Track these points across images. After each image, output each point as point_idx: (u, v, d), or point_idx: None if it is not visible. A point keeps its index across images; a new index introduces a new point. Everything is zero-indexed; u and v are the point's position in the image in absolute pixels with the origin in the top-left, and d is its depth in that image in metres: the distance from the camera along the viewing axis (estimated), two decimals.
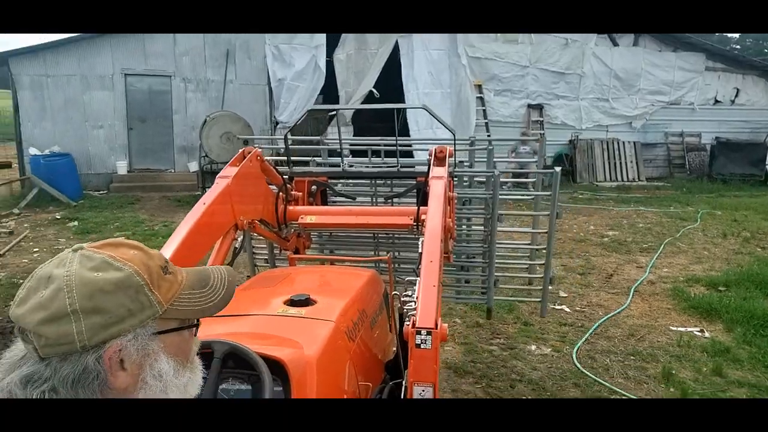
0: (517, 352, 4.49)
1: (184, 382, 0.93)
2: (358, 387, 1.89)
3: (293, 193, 3.28)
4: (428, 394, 1.66)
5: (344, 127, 12.22)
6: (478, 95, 13.03)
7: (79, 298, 0.80)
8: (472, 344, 4.62)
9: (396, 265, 3.72)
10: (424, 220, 2.62)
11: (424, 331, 1.65)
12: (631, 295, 5.73)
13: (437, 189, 2.67)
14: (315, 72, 12.25)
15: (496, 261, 3.85)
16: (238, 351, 1.45)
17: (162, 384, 0.88)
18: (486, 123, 13.12)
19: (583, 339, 4.70)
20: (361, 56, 12.61)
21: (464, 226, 4.07)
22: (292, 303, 1.95)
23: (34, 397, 0.80)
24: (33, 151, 10.84)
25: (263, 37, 12.02)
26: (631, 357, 4.43)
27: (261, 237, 3.39)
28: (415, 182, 3.41)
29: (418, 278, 1.94)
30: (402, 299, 1.99)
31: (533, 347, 4.60)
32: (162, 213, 9.73)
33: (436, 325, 1.68)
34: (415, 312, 1.76)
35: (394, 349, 2.40)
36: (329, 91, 12.66)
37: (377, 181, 3.84)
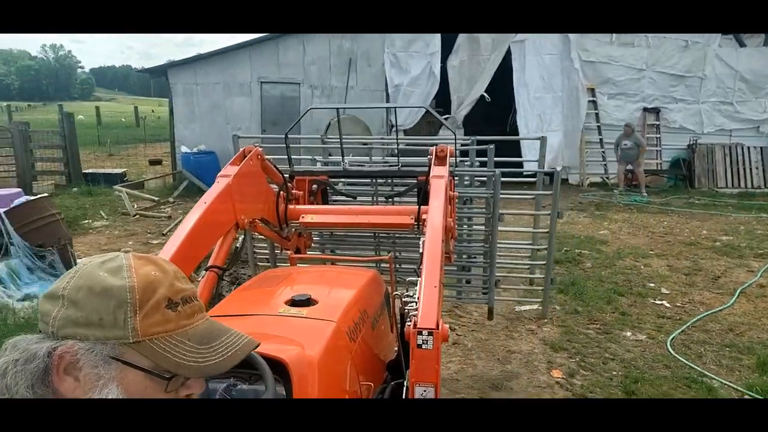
0: (612, 336, 4.81)
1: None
2: (359, 387, 1.89)
3: (294, 192, 3.28)
4: (430, 394, 1.67)
5: (456, 130, 12.80)
6: (591, 99, 13.07)
7: (72, 286, 0.81)
8: (569, 327, 5.00)
9: (397, 265, 3.68)
10: (424, 220, 2.61)
11: (425, 332, 1.66)
12: (736, 296, 5.79)
13: (438, 188, 2.68)
14: (429, 78, 12.93)
15: (498, 261, 3.84)
16: None
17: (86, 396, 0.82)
18: (598, 126, 13.13)
19: (681, 329, 4.91)
20: (474, 62, 13.13)
21: (465, 226, 4.04)
22: (293, 303, 1.95)
23: (4, 359, 0.81)
24: (184, 149, 12.48)
25: (383, 46, 12.89)
26: (727, 348, 4.57)
27: (262, 236, 3.37)
28: (415, 181, 3.41)
29: (419, 278, 1.95)
30: (403, 299, 2.01)
31: (628, 333, 4.90)
32: None
33: (438, 325, 1.68)
34: (416, 312, 1.76)
35: (396, 349, 2.41)
36: (442, 96, 13.30)
37: (378, 181, 3.84)
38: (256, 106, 13.14)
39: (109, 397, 0.80)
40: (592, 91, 13.07)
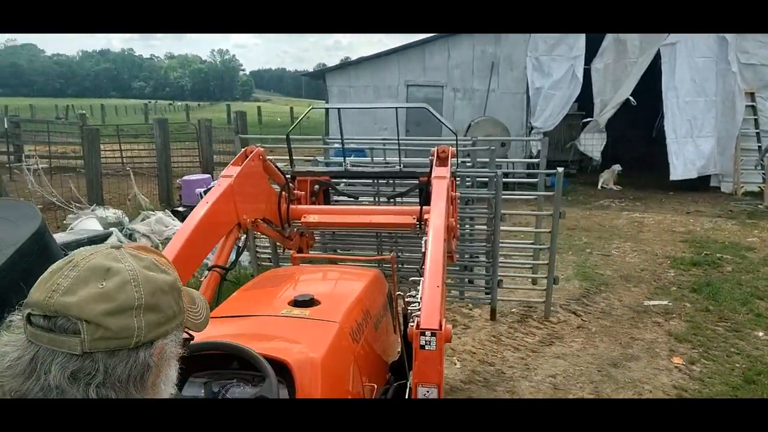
0: (742, 334, 4.87)
1: (172, 391, 0.92)
2: (362, 388, 1.88)
3: (296, 192, 3.28)
4: (433, 395, 1.67)
5: (598, 134, 12.80)
6: (749, 103, 12.33)
7: (145, 293, 0.82)
8: (697, 323, 5.10)
9: (399, 265, 3.66)
10: (426, 220, 2.62)
11: (428, 332, 1.66)
12: None
13: (440, 188, 2.69)
14: (572, 81, 13.01)
15: (500, 261, 3.84)
16: (242, 352, 1.45)
17: (166, 389, 0.89)
18: (757, 133, 12.36)
19: None
20: (620, 65, 12.95)
21: (467, 226, 4.04)
22: (296, 303, 1.95)
23: (90, 394, 0.79)
24: (337, 145, 13.85)
25: (525, 50, 13.22)
26: None
27: (264, 236, 3.37)
28: (417, 182, 3.39)
29: (422, 278, 1.95)
30: (406, 300, 2.01)
31: (761, 333, 4.95)
32: None
33: (441, 326, 1.69)
34: (419, 313, 1.76)
35: (399, 349, 2.40)
36: (584, 99, 13.31)
37: (379, 181, 3.84)
38: (402, 108, 14.14)
39: (171, 372, 0.90)
40: (751, 95, 12.33)
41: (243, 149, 2.86)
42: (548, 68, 13.11)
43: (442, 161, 3.00)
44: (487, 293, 4.02)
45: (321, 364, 1.60)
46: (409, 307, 1.93)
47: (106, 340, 0.79)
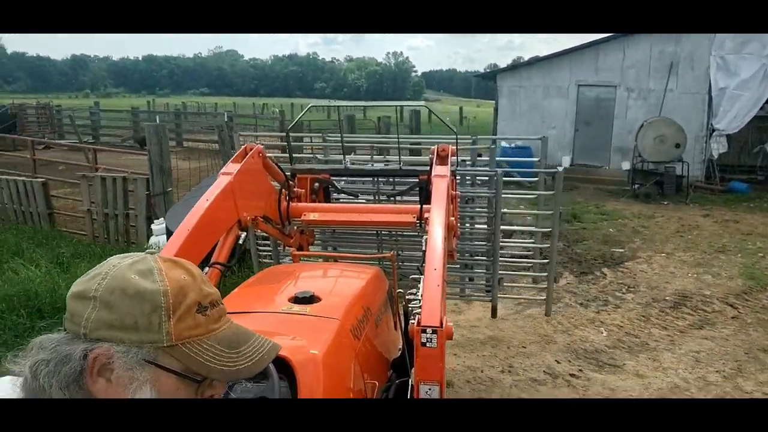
0: None
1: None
2: (364, 385, 1.88)
3: (296, 189, 3.28)
4: (435, 393, 1.67)
5: None
6: None
7: (104, 288, 0.80)
8: None
9: (400, 263, 3.67)
10: (427, 218, 2.60)
11: (429, 330, 1.66)
12: None
13: (440, 187, 2.68)
14: (763, 81, 12.22)
15: (500, 259, 3.83)
16: None
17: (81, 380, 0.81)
18: None
19: None
20: None
21: (467, 225, 4.03)
22: (296, 300, 1.94)
23: (33, 359, 0.80)
24: (503, 143, 14.48)
25: (709, 49, 12.68)
26: None
27: (264, 234, 3.39)
28: (417, 180, 3.39)
29: (423, 276, 1.95)
30: (407, 297, 2.01)
31: None
32: (594, 199, 11.80)
33: (442, 323, 1.69)
34: (420, 310, 1.77)
35: (400, 347, 2.40)
36: None
37: (379, 179, 3.83)
38: (572, 107, 14.32)
39: (144, 397, 0.81)
40: None
41: (243, 146, 2.84)
42: (735, 67, 12.46)
43: (443, 159, 3.01)
44: (487, 291, 4.03)
45: (322, 360, 1.58)
46: (410, 305, 1.94)
47: (68, 321, 0.82)
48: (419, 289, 1.92)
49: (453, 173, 3.10)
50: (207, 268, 2.32)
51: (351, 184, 3.97)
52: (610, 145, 14.24)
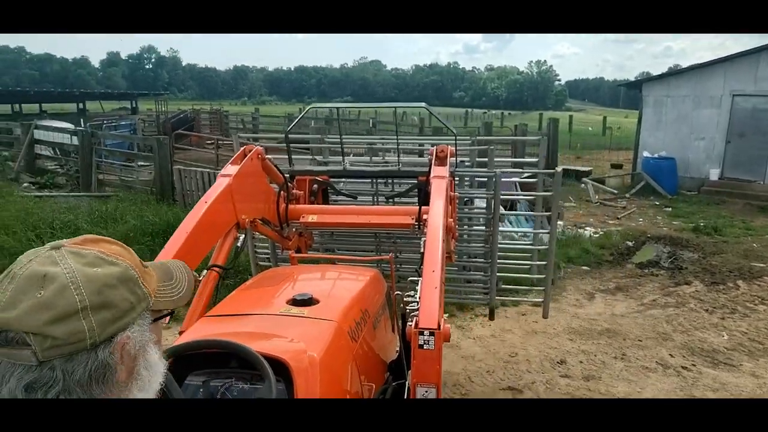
0: None
1: (162, 370, 0.92)
2: (361, 387, 1.88)
3: (294, 191, 3.26)
4: (431, 394, 1.67)
5: None
6: None
7: (88, 294, 0.79)
8: None
9: (398, 265, 3.66)
10: (425, 220, 2.60)
11: (426, 332, 1.66)
12: None
13: (439, 188, 2.68)
14: None
15: (498, 261, 3.79)
16: (241, 351, 1.44)
17: (150, 374, 0.89)
18: None
19: None
20: None
21: (466, 226, 3.99)
22: (294, 302, 1.94)
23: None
24: (645, 153, 14.11)
25: None
26: None
27: (263, 236, 3.39)
28: (416, 182, 3.37)
29: (420, 278, 1.95)
30: (405, 299, 2.00)
31: None
32: (742, 214, 11.24)
33: (439, 325, 1.69)
34: (417, 312, 1.77)
35: (397, 349, 2.40)
36: None
37: (378, 181, 3.81)
38: (724, 118, 13.58)
39: (151, 357, 0.89)
40: None
41: (242, 148, 2.84)
42: None
43: (442, 161, 3.01)
44: (485, 293, 4.02)
45: (319, 363, 1.58)
46: (407, 307, 1.94)
47: (58, 347, 0.78)
48: (417, 291, 1.93)
49: (452, 174, 3.11)
50: (205, 271, 2.32)
51: (350, 186, 3.97)
52: (766, 158, 13.31)
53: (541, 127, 22.47)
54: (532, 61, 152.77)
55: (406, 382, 2.00)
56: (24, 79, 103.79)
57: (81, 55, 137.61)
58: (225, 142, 16.95)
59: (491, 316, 4.29)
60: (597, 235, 8.81)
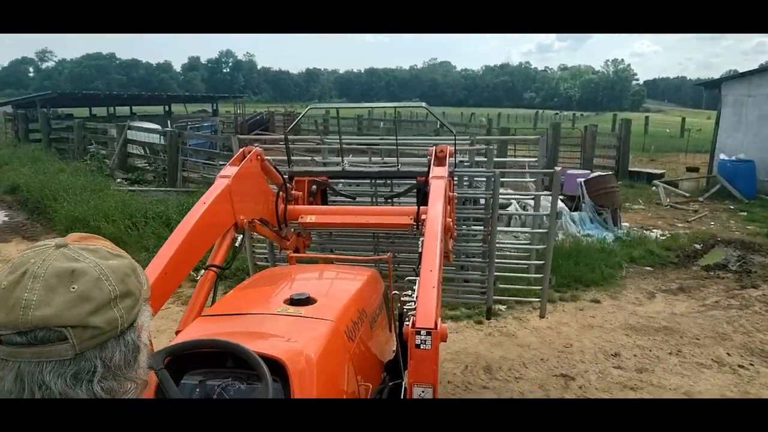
0: None
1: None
2: (357, 387, 1.88)
3: (293, 192, 3.27)
4: (428, 395, 1.67)
5: None
6: None
7: (117, 283, 0.84)
8: None
9: (396, 265, 3.65)
10: (424, 220, 2.60)
11: (423, 332, 1.67)
12: None
13: (437, 189, 2.68)
14: None
15: (496, 261, 3.77)
16: (237, 350, 1.44)
17: (146, 351, 0.92)
18: None
19: None
20: None
21: (464, 226, 3.96)
22: (292, 302, 1.94)
23: (95, 389, 0.81)
24: (722, 156, 13.60)
25: None
26: None
27: (261, 236, 3.38)
28: (415, 182, 3.37)
29: (418, 278, 1.95)
30: (402, 299, 2.02)
31: None
32: None
33: (436, 325, 1.69)
34: (414, 312, 1.77)
35: (394, 349, 2.40)
36: None
37: (377, 181, 3.80)
38: None
39: (145, 337, 0.91)
40: None
41: (241, 149, 2.85)
42: None
43: (440, 161, 3.02)
44: (482, 293, 4.01)
45: (316, 362, 1.58)
46: (404, 307, 1.97)
47: (96, 337, 0.81)
48: (414, 290, 1.94)
49: (451, 174, 3.12)
50: (203, 271, 2.32)
51: (348, 187, 3.99)
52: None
53: (614, 128, 21.98)
54: (608, 60, 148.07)
55: (403, 382, 1.99)
56: (113, 83, 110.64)
57: (164, 60, 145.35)
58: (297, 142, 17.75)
59: (488, 315, 4.30)
60: (664, 237, 8.73)
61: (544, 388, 4.30)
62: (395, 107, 3.97)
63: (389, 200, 3.75)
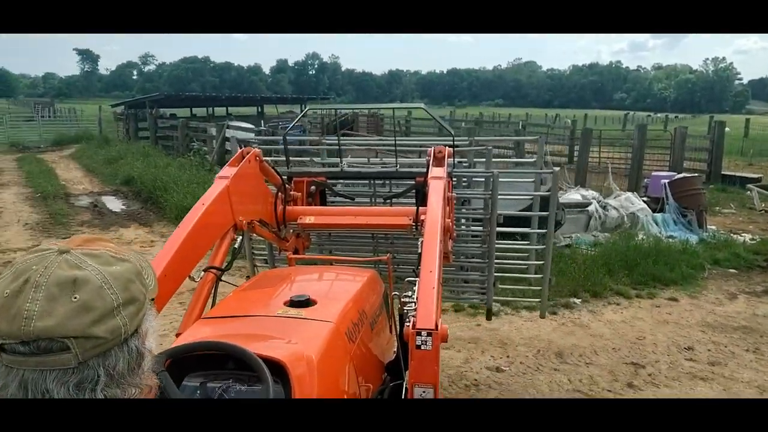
0: None
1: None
2: (358, 388, 1.89)
3: (292, 193, 3.27)
4: (429, 395, 1.67)
5: None
6: None
7: (119, 291, 0.83)
8: None
9: (395, 266, 3.64)
10: (423, 221, 2.60)
11: (424, 332, 1.67)
12: None
13: (436, 189, 2.67)
14: None
15: (496, 261, 3.76)
16: (238, 353, 1.45)
17: (150, 357, 0.91)
18: None
19: None
20: None
21: (463, 227, 3.94)
22: (292, 304, 1.94)
23: (98, 397, 0.81)
24: None
25: None
26: None
27: (260, 237, 3.37)
28: (413, 182, 3.36)
29: (418, 279, 1.96)
30: (402, 300, 2.01)
31: None
32: None
33: (437, 325, 1.69)
34: (415, 313, 1.77)
35: (395, 350, 2.40)
36: None
37: (376, 182, 3.79)
38: None
39: (152, 342, 0.91)
40: None
41: (240, 150, 2.85)
42: None
43: (439, 161, 3.02)
44: (482, 293, 4.01)
45: (317, 364, 1.59)
46: (405, 307, 1.96)
47: (99, 346, 0.81)
48: (414, 291, 1.94)
49: (449, 175, 3.12)
50: (202, 272, 2.33)
51: (347, 187, 3.98)
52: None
53: (710, 131, 21.01)
54: (707, 59, 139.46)
55: (404, 383, 2.00)
56: (207, 85, 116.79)
57: (255, 63, 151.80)
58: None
59: (488, 316, 4.31)
60: (753, 242, 8.51)
61: (613, 374, 4.45)
62: (395, 108, 4.11)
63: (388, 201, 3.75)
